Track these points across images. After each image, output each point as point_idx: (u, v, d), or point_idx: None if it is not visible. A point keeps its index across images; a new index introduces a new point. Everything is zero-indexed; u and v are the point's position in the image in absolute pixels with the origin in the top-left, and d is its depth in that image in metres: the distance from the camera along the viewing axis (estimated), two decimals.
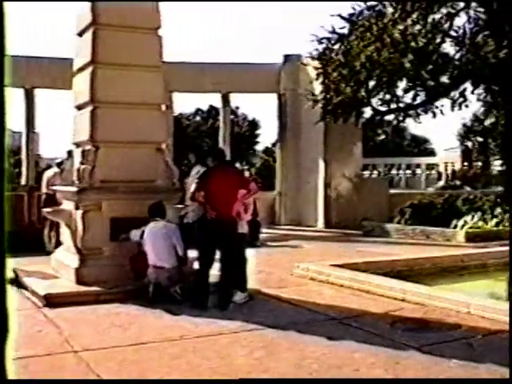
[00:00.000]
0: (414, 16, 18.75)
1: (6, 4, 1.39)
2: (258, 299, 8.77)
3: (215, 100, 31.24)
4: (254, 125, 67.93)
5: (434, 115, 19.92)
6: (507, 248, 13.77)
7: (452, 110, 19.60)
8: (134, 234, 8.95)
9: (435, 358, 5.96)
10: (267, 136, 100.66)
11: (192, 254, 8.82)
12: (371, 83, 18.93)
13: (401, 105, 19.89)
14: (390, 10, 19.33)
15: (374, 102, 19.56)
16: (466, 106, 19.99)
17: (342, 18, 19.91)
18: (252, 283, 9.18)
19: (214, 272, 8.54)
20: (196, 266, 8.68)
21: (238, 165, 13.22)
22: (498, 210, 17.07)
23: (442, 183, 45.43)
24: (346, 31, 19.94)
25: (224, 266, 8.49)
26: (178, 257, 8.70)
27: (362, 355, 6.03)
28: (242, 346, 6.43)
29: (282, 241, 16.97)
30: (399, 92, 19.49)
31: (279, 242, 16.78)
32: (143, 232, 8.80)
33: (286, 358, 5.99)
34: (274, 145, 35.00)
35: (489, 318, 7.31)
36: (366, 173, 50.57)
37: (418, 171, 62.30)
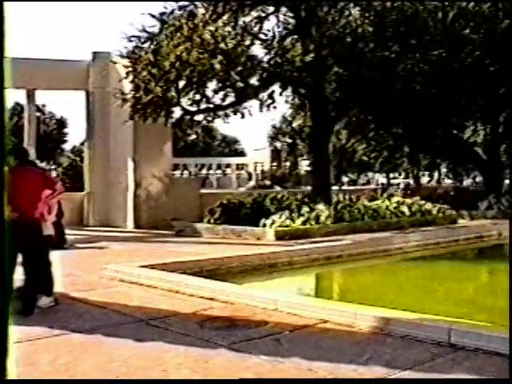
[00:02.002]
0: (225, 18, 18.99)
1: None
2: (64, 303, 8.41)
3: (20, 97, 29.90)
4: (61, 123, 65.97)
5: (243, 116, 20.29)
6: (314, 245, 14.30)
7: (260, 111, 20.04)
8: None
9: (244, 354, 5.97)
10: (76, 135, 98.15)
11: None
12: (181, 83, 18.89)
13: (210, 105, 20.05)
14: (201, 10, 19.45)
15: (184, 101, 19.55)
16: (274, 108, 20.54)
17: (153, 16, 19.78)
18: (59, 287, 8.79)
19: (18, 276, 8.08)
20: None
21: (43, 164, 12.68)
22: (305, 209, 17.62)
23: (252, 183, 46.56)
24: (156, 30, 19.82)
25: (27, 270, 8.07)
26: None
27: (170, 356, 5.92)
28: (47, 352, 6.12)
29: (91, 242, 16.50)
30: (209, 92, 19.63)
31: (88, 243, 16.31)
32: None
33: (94, 362, 5.76)
34: (82, 144, 33.97)
35: (295, 314, 7.45)
36: (177, 173, 50.73)
37: (229, 171, 63.38)
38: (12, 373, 1.59)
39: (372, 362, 5.68)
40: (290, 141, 63.76)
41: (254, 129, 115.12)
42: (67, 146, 65.75)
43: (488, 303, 10.15)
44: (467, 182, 41.17)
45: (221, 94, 19.73)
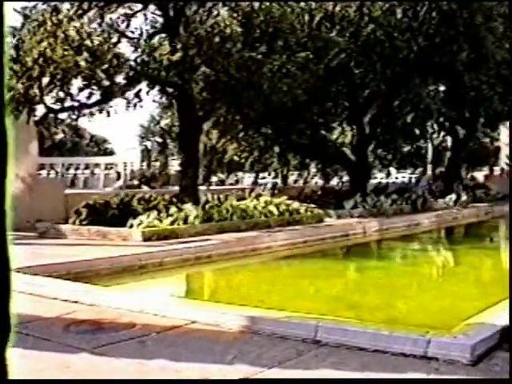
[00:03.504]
0: (91, 14, 18.56)
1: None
2: None
3: None
4: None
5: (109, 114, 19.94)
6: (183, 246, 14.21)
7: (127, 109, 19.76)
8: None
9: (108, 358, 5.84)
10: None
11: None
12: (45, 80, 18.29)
13: (75, 103, 19.55)
14: (66, 5, 18.91)
15: (48, 99, 18.95)
16: (141, 107, 20.31)
17: (14, 10, 19.05)
18: None
19: None
20: None
21: None
22: (174, 209, 17.48)
23: (120, 183, 45.84)
24: (18, 25, 19.11)
25: None
26: None
27: (31, 362, 5.68)
28: None
29: None
30: (74, 90, 19.13)
31: None
32: None
33: None
34: None
35: (163, 316, 7.35)
36: (44, 172, 49.19)
37: (98, 171, 62.11)
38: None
39: (238, 360, 5.67)
40: (160, 140, 63.39)
41: (124, 128, 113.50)
42: None
43: (355, 299, 10.41)
44: (334, 181, 42.28)
45: (86, 91, 19.28)
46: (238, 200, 20.12)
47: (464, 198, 29.03)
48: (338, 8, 23.67)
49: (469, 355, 5.54)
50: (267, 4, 19.88)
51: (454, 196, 28.78)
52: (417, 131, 34.73)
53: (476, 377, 5.25)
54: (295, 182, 46.90)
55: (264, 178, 50.12)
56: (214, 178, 48.75)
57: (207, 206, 18.27)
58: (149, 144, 69.71)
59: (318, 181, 44.43)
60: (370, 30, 23.60)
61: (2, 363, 1.29)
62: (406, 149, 45.94)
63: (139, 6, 20.36)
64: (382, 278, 12.69)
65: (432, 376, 5.24)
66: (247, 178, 52.76)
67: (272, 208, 19.25)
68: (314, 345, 6.10)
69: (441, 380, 5.26)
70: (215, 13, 19.95)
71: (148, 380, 5.38)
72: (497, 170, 45.96)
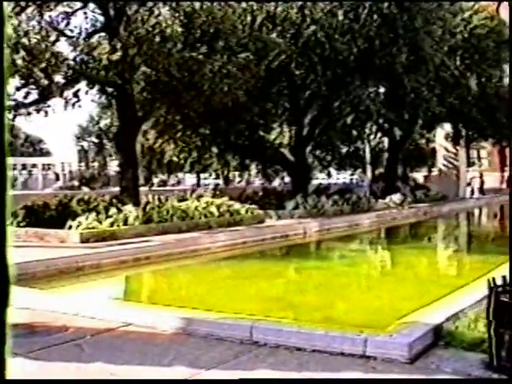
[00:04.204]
0: (29, 11, 18.19)
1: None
2: None
3: None
4: None
5: (47, 114, 19.58)
6: (122, 247, 14.04)
7: (65, 109, 19.45)
8: None
9: (43, 362, 5.72)
10: None
11: None
12: None
13: (12, 102, 19.13)
14: (4, 3, 18.48)
15: None
16: (80, 107, 20.03)
17: None
18: None
19: None
20: None
21: None
22: (113, 210, 17.26)
23: (60, 184, 45.13)
24: None
25: None
26: None
27: None
28: None
29: None
30: (11, 89, 18.70)
31: None
32: None
33: None
34: None
35: (98, 318, 7.24)
36: None
37: (35, 171, 60.98)
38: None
39: (175, 362, 5.63)
40: (97, 141, 62.61)
41: (61, 128, 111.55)
42: None
43: (293, 300, 10.44)
44: (276, 182, 42.44)
45: (23, 91, 18.89)
46: (180, 201, 20.01)
47: (403, 198, 29.42)
48: (279, 9, 23.72)
49: (406, 353, 5.60)
50: (208, 4, 19.81)
51: (394, 196, 29.14)
52: (355, 132, 35.06)
53: (412, 374, 5.30)
54: (239, 182, 46.94)
55: (205, 178, 50.04)
56: (155, 179, 48.43)
57: (148, 207, 18.10)
58: (86, 144, 68.81)
59: (261, 182, 44.53)
60: (311, 32, 23.71)
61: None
62: (345, 150, 46.38)
63: (79, 5, 20.07)
64: (321, 278, 12.77)
65: (370, 375, 5.27)
66: (189, 179, 52.58)
67: (213, 209, 19.19)
68: (253, 346, 6.09)
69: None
70: (156, 12, 19.78)
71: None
72: (435, 171, 46.77)
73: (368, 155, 43.17)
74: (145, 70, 19.68)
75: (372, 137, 42.27)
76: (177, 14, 19.49)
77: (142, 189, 23.55)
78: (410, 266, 14.92)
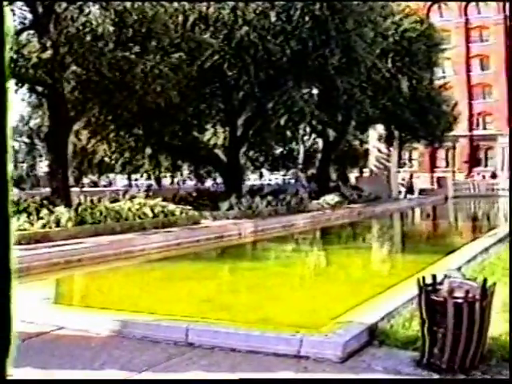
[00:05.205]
0: None
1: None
2: None
3: None
4: None
5: None
6: (54, 249, 13.74)
7: None
8: None
9: None
10: None
11: None
12: None
13: None
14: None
15: None
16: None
17: None
18: None
19: None
20: None
21: None
22: (45, 212, 16.89)
23: None
24: None
25: None
26: None
27: None
28: None
29: None
30: None
31: None
32: None
33: None
34: None
35: (29, 322, 7.06)
36: None
37: None
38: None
39: (107, 366, 5.53)
40: (28, 141, 61.31)
41: None
42: None
43: (228, 301, 10.39)
44: (208, 183, 42.36)
45: None
46: (112, 202, 19.73)
47: (337, 199, 29.69)
48: (211, 9, 23.66)
49: (340, 353, 5.62)
50: (140, 4, 19.60)
51: (328, 197, 29.37)
52: (289, 133, 35.24)
53: (343, 373, 5.33)
54: (171, 183, 46.65)
55: (137, 179, 49.58)
56: (86, 180, 47.71)
57: (80, 209, 17.78)
58: (17, 145, 67.35)
59: (194, 182, 44.36)
60: (243, 33, 23.71)
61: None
62: (279, 151, 46.63)
63: (5, 2, 19.59)
64: (257, 279, 12.75)
65: (301, 375, 5.27)
66: (121, 180, 52.02)
67: (147, 210, 18.99)
68: (187, 347, 6.03)
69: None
70: (86, 11, 19.48)
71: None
72: (366, 172, 47.42)
73: (302, 156, 43.49)
74: (75, 70, 19.31)
75: (306, 138, 42.63)
76: (107, 13, 19.24)
77: (73, 190, 23.14)
78: (345, 266, 15.03)
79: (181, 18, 22.13)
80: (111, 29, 18.71)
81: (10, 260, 1.42)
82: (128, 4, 19.38)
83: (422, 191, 46.76)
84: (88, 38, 18.42)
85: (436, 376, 5.20)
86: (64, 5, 19.33)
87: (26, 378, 5.00)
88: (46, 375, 5.36)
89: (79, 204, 18.60)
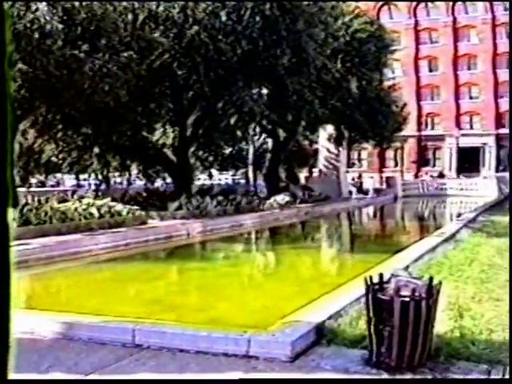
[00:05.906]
0: None
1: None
2: None
3: None
4: None
5: None
6: None
7: None
8: None
9: None
10: None
11: None
12: None
13: None
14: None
15: None
16: None
17: None
18: None
19: None
20: None
21: None
22: None
23: None
24: None
25: None
26: None
27: None
28: None
29: None
30: None
31: None
32: None
33: None
34: None
35: None
36: None
37: None
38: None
39: (53, 369, 5.44)
40: None
41: None
42: None
43: (177, 301, 10.34)
44: (158, 183, 42.04)
45: None
46: (60, 202, 19.45)
47: (287, 199, 29.81)
48: (161, 8, 23.50)
49: (289, 352, 5.64)
50: (88, 2, 19.37)
51: (278, 197, 29.46)
52: (239, 133, 35.22)
53: (292, 373, 5.34)
54: (120, 183, 46.19)
55: (85, 179, 48.98)
56: (33, 180, 46.90)
57: (25, 209, 17.47)
58: None
59: (143, 182, 43.99)
60: (193, 32, 23.60)
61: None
62: (228, 150, 46.57)
63: None
64: (205, 279, 12.72)
65: (251, 375, 5.27)
66: (69, 180, 51.33)
67: (93, 210, 18.75)
68: (135, 349, 5.97)
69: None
70: (34, 8, 19.15)
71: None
72: (315, 172, 47.70)
73: (251, 156, 43.53)
74: (21, 67, 18.97)
75: (256, 138, 42.67)
76: (55, 11, 18.95)
77: (19, 190, 22.74)
78: (292, 265, 15.10)
79: (130, 17, 21.92)
80: (60, 26, 18.43)
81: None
82: (76, 2, 19.12)
83: (375, 191, 47.07)
84: (36, 35, 18.11)
85: (385, 374, 5.24)
86: (9, 1, 18.99)
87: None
88: None
89: (25, 204, 18.29)
